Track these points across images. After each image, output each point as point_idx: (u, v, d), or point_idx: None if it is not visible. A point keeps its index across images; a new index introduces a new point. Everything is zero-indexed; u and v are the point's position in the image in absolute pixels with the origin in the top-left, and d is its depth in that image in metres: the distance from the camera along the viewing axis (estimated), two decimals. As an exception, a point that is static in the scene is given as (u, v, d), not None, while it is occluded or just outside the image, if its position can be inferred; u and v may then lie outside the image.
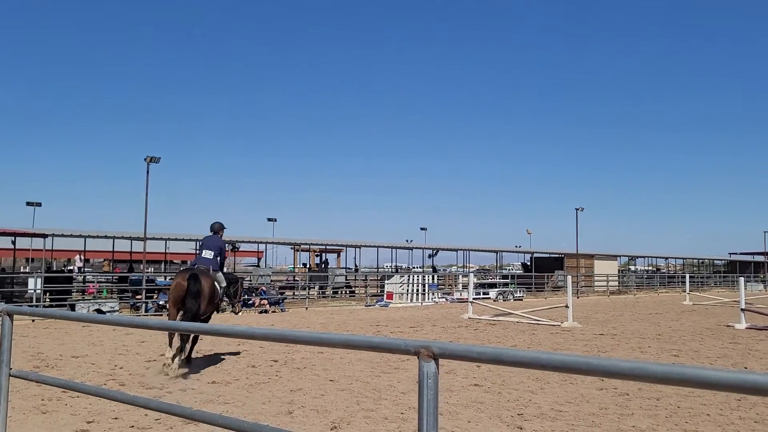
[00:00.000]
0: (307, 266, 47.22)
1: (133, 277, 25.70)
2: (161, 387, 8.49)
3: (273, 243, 38.17)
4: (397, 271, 42.12)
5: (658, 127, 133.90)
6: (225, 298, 11.15)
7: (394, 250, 46.62)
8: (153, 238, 31.85)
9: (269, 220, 50.44)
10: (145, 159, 26.06)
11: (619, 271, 56.43)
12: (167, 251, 44.56)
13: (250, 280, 30.81)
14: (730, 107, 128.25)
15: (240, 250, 44.12)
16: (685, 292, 33.58)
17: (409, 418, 6.62)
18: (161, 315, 22.56)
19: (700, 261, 74.51)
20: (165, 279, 30.68)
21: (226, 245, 11.85)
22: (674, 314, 23.17)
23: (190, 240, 36.66)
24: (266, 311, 24.43)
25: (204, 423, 3.56)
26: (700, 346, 13.35)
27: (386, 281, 31.50)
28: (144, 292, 23.61)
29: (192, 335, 9.83)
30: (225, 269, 11.37)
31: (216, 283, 10.26)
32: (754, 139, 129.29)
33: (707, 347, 13.11)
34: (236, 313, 13.72)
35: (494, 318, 20.04)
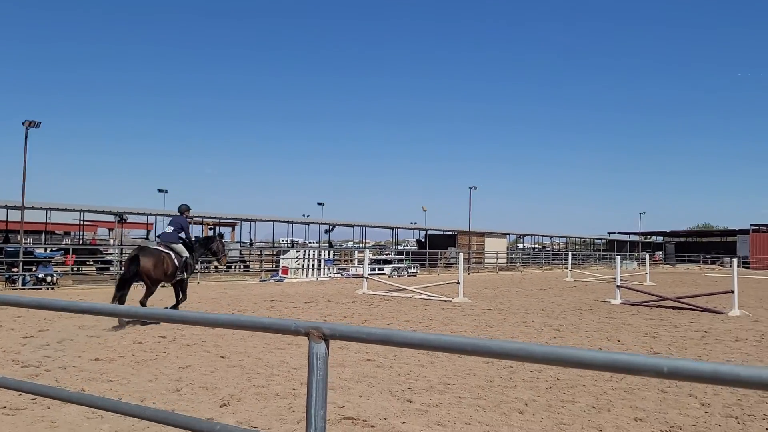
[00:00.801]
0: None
1: (9, 249, 24.11)
2: (38, 365, 8.05)
3: (164, 215, 36.87)
4: (293, 246, 41.83)
5: (545, 109, 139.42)
6: (191, 264, 13.30)
7: (290, 224, 46.26)
8: (32, 208, 30.02)
9: (160, 191, 48.69)
10: (23, 123, 24.41)
11: (507, 248, 58.66)
12: (48, 221, 42.13)
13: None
14: (613, 93, 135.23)
15: (128, 221, 42.33)
16: (567, 269, 35.40)
17: (300, 393, 6.62)
18: (40, 289, 21.35)
19: (582, 240, 78.78)
20: (45, 251, 29.02)
21: (187, 222, 13.77)
22: (557, 290, 24.38)
23: (73, 210, 34.85)
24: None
25: (83, 405, 3.40)
26: (580, 320, 14.13)
27: (281, 256, 31.25)
28: (21, 264, 22.23)
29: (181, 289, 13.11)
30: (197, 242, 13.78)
31: (172, 253, 12.72)
32: (634, 126, 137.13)
33: (586, 321, 13.90)
34: (222, 265, 18.57)
35: (388, 293, 20.35)
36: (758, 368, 1.25)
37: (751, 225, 64.81)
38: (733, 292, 16.42)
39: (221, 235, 16.89)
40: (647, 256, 37.03)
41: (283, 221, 43.54)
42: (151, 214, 37.76)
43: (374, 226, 49.70)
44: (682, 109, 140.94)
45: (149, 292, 12.58)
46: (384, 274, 33.40)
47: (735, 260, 18.31)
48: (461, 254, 21.32)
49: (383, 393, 6.84)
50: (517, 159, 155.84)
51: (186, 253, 13.00)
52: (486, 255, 48.84)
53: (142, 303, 12.28)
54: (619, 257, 21.88)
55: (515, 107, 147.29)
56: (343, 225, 48.27)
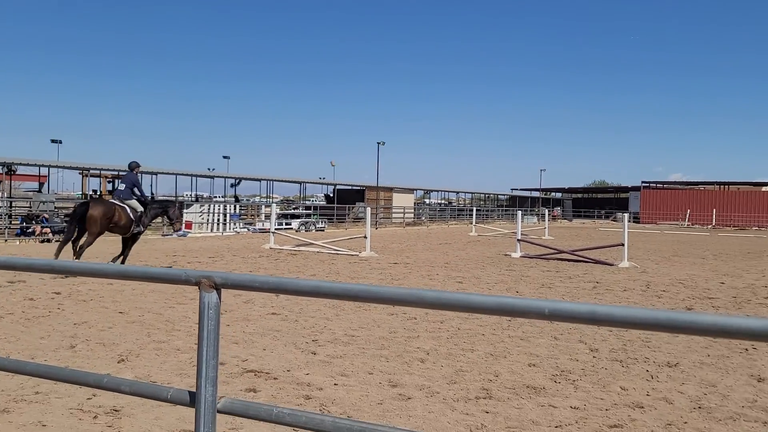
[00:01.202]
0: (98, 193, 44.03)
1: None
2: None
3: (58, 167, 35.00)
4: (197, 200, 40.77)
5: (452, 66, 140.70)
6: (144, 220, 13.74)
7: (194, 178, 44.99)
8: None
9: (53, 141, 46.03)
10: None
11: (415, 203, 59.52)
12: None
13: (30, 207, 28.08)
14: (514, 45, 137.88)
15: (17, 173, 39.85)
16: (472, 224, 36.37)
17: (202, 348, 6.52)
18: None
19: (486, 196, 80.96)
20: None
21: (137, 178, 14.31)
22: (461, 244, 25.04)
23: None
24: (49, 240, 22.55)
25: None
26: (482, 273, 14.59)
27: (185, 210, 30.42)
28: None
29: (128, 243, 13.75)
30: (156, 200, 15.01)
31: (127, 208, 13.24)
32: (537, 81, 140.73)
33: (487, 274, 14.37)
34: (176, 230, 18.71)
35: (295, 248, 20.26)
36: (630, 308, 1.31)
37: (642, 182, 68.52)
38: (623, 245, 17.37)
39: (181, 203, 17.88)
40: (546, 211, 38.57)
41: (187, 174, 42.29)
42: (44, 166, 35.66)
43: (282, 181, 49.10)
44: (581, 67, 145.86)
45: (91, 240, 12.91)
46: (291, 228, 33.20)
47: (626, 215, 19.32)
48: (368, 209, 21.44)
49: (288, 346, 6.85)
50: (424, 115, 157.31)
51: (141, 209, 13.58)
52: (394, 210, 49.39)
53: (80, 248, 12.74)
54: (520, 212, 22.63)
55: (423, 63, 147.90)
56: (250, 179, 47.44)
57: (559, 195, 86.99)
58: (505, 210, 67.46)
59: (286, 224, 34.11)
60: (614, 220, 61.93)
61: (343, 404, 4.93)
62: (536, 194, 79.26)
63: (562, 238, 31.10)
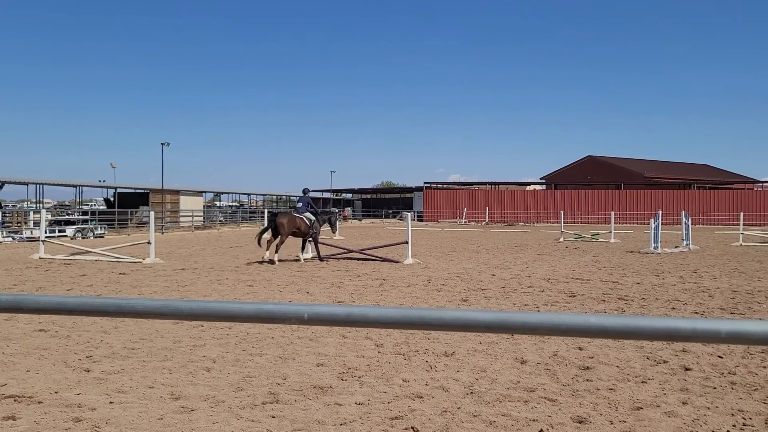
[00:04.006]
0: None
1: None
2: None
3: None
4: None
5: (243, 70, 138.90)
6: (317, 226, 18.90)
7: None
8: None
9: None
10: None
11: (204, 206, 57.74)
12: None
13: None
14: (282, 48, 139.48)
15: None
16: (263, 226, 36.03)
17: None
18: None
19: (279, 197, 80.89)
20: None
21: (310, 199, 19.38)
22: (253, 247, 24.66)
23: None
24: None
25: None
26: (273, 275, 14.51)
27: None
28: None
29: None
30: None
31: (305, 218, 18.35)
32: (323, 89, 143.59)
33: (278, 276, 14.32)
34: (334, 233, 26.97)
35: (70, 257, 18.63)
36: (383, 308, 1.34)
37: (425, 183, 72.73)
38: (407, 242, 18.29)
39: (337, 212, 21.15)
40: (337, 211, 39.46)
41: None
42: None
43: (54, 184, 44.93)
44: (369, 68, 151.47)
45: (281, 241, 17.52)
46: (66, 236, 30.53)
47: (409, 215, 20.35)
48: (152, 213, 20.36)
49: (57, 365, 6.25)
50: (212, 113, 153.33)
51: (313, 218, 18.51)
52: (181, 213, 47.44)
53: (277, 246, 17.36)
54: (309, 213, 22.84)
55: (210, 65, 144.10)
56: (15, 183, 42.74)
57: (349, 195, 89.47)
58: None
59: (60, 231, 31.29)
60: (400, 219, 65.06)
61: (118, 423, 4.60)
62: (328, 195, 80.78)
63: (353, 238, 32.02)
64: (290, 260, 18.23)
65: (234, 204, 76.05)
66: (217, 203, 77.78)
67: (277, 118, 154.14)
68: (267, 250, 17.32)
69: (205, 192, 58.38)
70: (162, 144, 43.36)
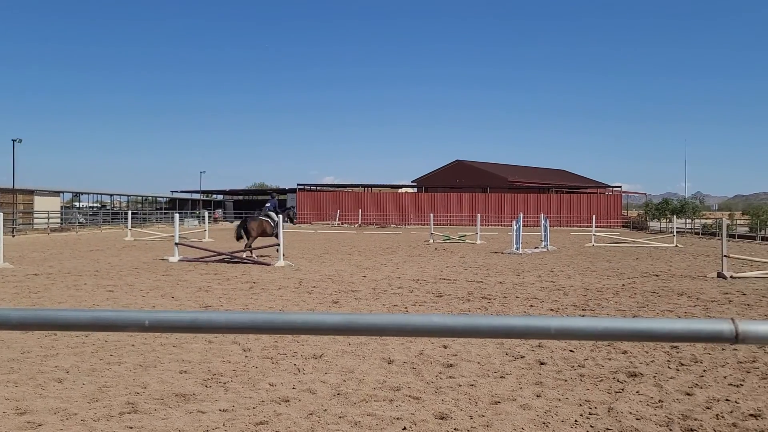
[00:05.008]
0: None
1: None
2: None
3: None
4: None
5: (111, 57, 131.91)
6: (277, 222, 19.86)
7: None
8: None
9: None
10: None
11: (62, 207, 54.25)
12: None
13: None
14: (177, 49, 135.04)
15: None
16: (127, 228, 34.38)
17: None
18: None
19: (144, 198, 77.48)
20: None
21: (276, 201, 22.77)
22: (115, 250, 23.51)
23: None
24: None
25: None
26: (135, 279, 13.86)
27: None
28: None
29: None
30: None
31: (270, 220, 20.59)
32: (192, 91, 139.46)
33: (141, 280, 13.70)
34: (293, 224, 30.74)
35: None
36: (228, 313, 1.31)
37: (298, 184, 72.34)
38: (279, 245, 18.09)
39: (292, 207, 24.64)
40: (206, 213, 38.32)
41: None
42: None
43: None
44: (241, 72, 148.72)
45: (252, 241, 19.89)
46: None
47: (281, 216, 20.14)
48: (1, 214, 18.82)
49: None
50: (71, 110, 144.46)
51: (277, 219, 19.52)
52: (36, 215, 44.23)
53: (246, 245, 19.70)
54: (177, 215, 22.04)
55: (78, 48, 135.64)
56: None
57: (220, 197, 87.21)
58: (165, 213, 65.23)
59: None
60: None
61: (-47, 445, 4.21)
62: (197, 196, 78.30)
63: (224, 240, 31.20)
64: (155, 262, 17.50)
65: (95, 205, 71.85)
66: (77, 204, 73.21)
67: (143, 122, 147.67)
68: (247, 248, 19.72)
69: (62, 192, 54.77)
70: (13, 141, 40.17)
